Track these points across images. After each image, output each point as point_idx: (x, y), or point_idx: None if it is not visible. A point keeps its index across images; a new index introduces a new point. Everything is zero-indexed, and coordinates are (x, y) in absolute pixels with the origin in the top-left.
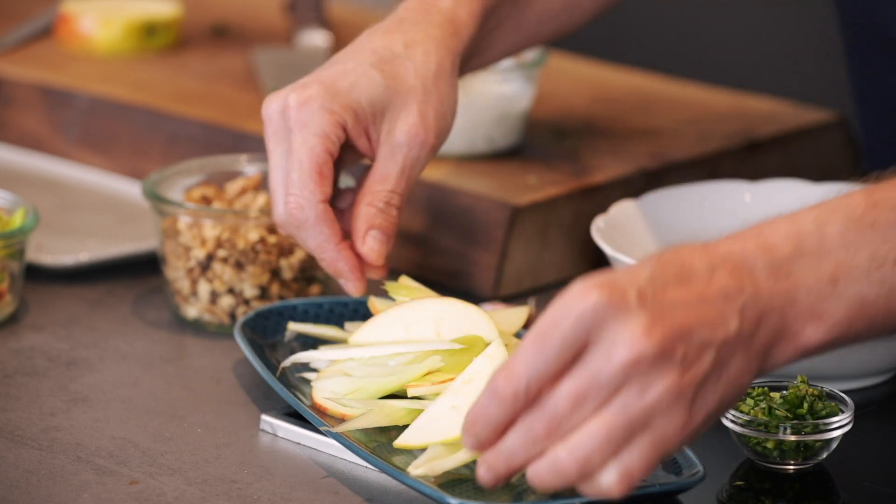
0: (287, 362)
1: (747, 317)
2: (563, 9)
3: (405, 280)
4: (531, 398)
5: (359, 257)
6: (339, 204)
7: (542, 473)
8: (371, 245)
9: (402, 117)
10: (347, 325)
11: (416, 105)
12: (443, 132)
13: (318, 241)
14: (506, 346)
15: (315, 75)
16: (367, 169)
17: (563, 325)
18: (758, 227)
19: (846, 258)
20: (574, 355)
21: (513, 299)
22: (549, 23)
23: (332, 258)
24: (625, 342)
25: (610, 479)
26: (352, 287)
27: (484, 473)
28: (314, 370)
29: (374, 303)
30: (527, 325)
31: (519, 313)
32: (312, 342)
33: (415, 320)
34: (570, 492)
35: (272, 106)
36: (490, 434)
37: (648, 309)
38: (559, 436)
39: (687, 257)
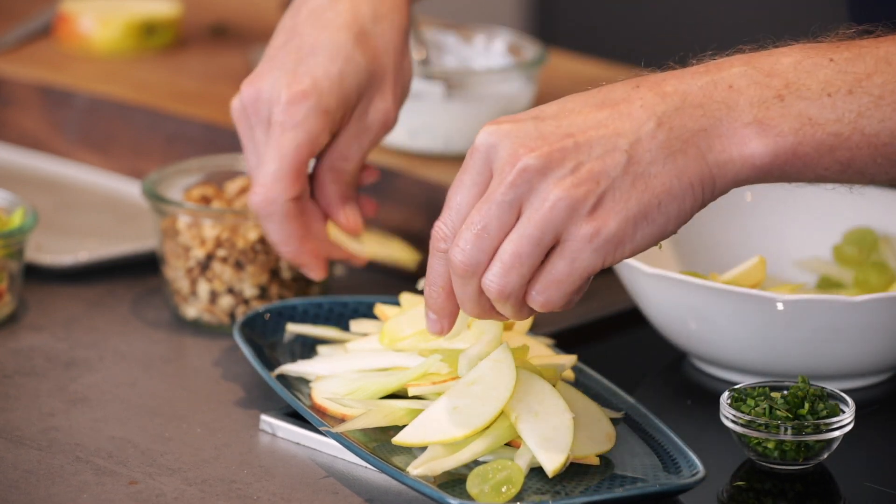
0: (277, 371)
1: (668, 122)
2: None
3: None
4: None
5: (317, 248)
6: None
7: (472, 305)
8: (352, 217)
9: (376, 101)
10: (352, 323)
11: (390, 88)
12: (401, 107)
13: (282, 236)
14: (513, 348)
15: (302, 62)
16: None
17: (466, 165)
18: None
19: (796, 79)
20: (484, 190)
21: None
22: None
23: (295, 253)
24: (508, 159)
25: (534, 298)
26: (315, 274)
27: (434, 328)
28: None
29: (380, 308)
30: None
31: None
32: (312, 341)
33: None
34: (570, 491)
35: (262, 91)
36: (437, 292)
37: (539, 129)
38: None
39: (611, 87)
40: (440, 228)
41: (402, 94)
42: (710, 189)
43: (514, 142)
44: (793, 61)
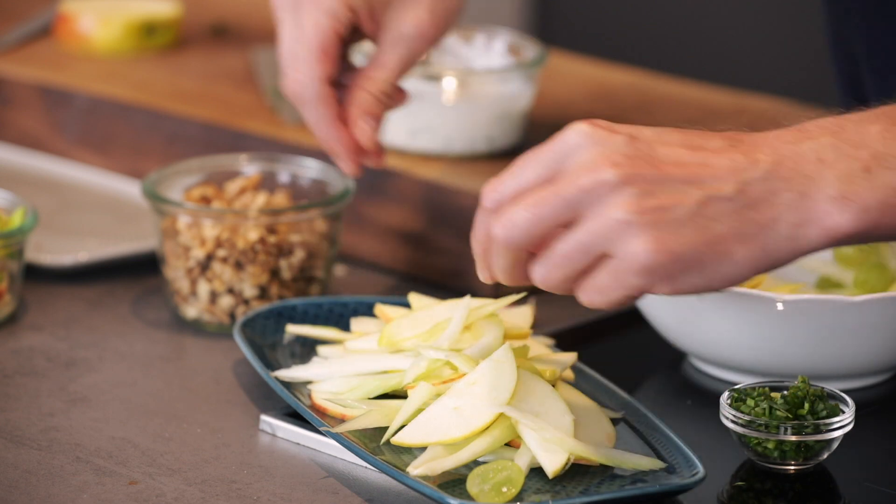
0: (274, 374)
1: (748, 191)
2: None
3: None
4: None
5: (355, 140)
6: (347, 81)
7: (502, 274)
8: (363, 129)
9: (410, 9)
10: (353, 322)
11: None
12: (447, 28)
13: (315, 118)
14: (514, 347)
15: None
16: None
17: (546, 146)
18: (801, 123)
19: (884, 150)
20: (551, 176)
21: None
22: None
23: (327, 136)
24: (589, 164)
25: (579, 295)
26: (345, 165)
27: (482, 275)
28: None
29: (381, 308)
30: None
31: (523, 312)
32: (312, 341)
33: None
34: (570, 491)
35: None
36: (478, 245)
37: (629, 147)
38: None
39: (712, 135)
40: (494, 189)
41: (444, 14)
42: (776, 258)
43: (601, 151)
44: (880, 129)
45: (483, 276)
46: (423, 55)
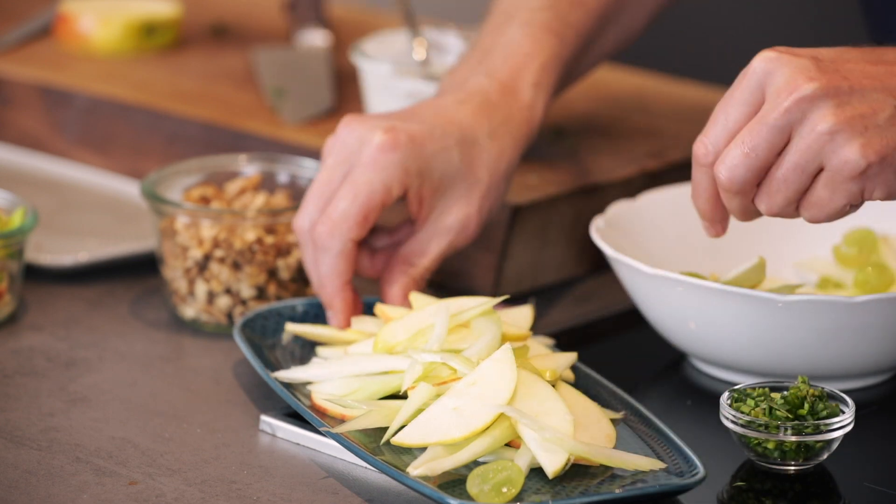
0: (274, 374)
1: None
2: (615, 48)
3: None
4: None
5: (354, 302)
6: (374, 242)
7: (740, 215)
8: (400, 303)
9: (460, 205)
10: (354, 321)
11: (478, 199)
12: (488, 222)
13: (329, 272)
14: (514, 347)
15: (406, 122)
16: (407, 225)
17: (739, 84)
18: None
19: None
20: (754, 111)
21: (513, 299)
22: (602, 62)
23: (333, 293)
24: (786, 85)
25: (802, 214)
26: (335, 319)
27: (712, 231)
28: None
29: (381, 308)
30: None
31: (523, 312)
32: (312, 342)
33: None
34: (570, 491)
35: (353, 132)
36: (704, 203)
37: (817, 65)
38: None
39: (885, 49)
40: (704, 144)
41: (488, 212)
42: None
43: (793, 70)
44: None
45: (713, 231)
46: (461, 249)
